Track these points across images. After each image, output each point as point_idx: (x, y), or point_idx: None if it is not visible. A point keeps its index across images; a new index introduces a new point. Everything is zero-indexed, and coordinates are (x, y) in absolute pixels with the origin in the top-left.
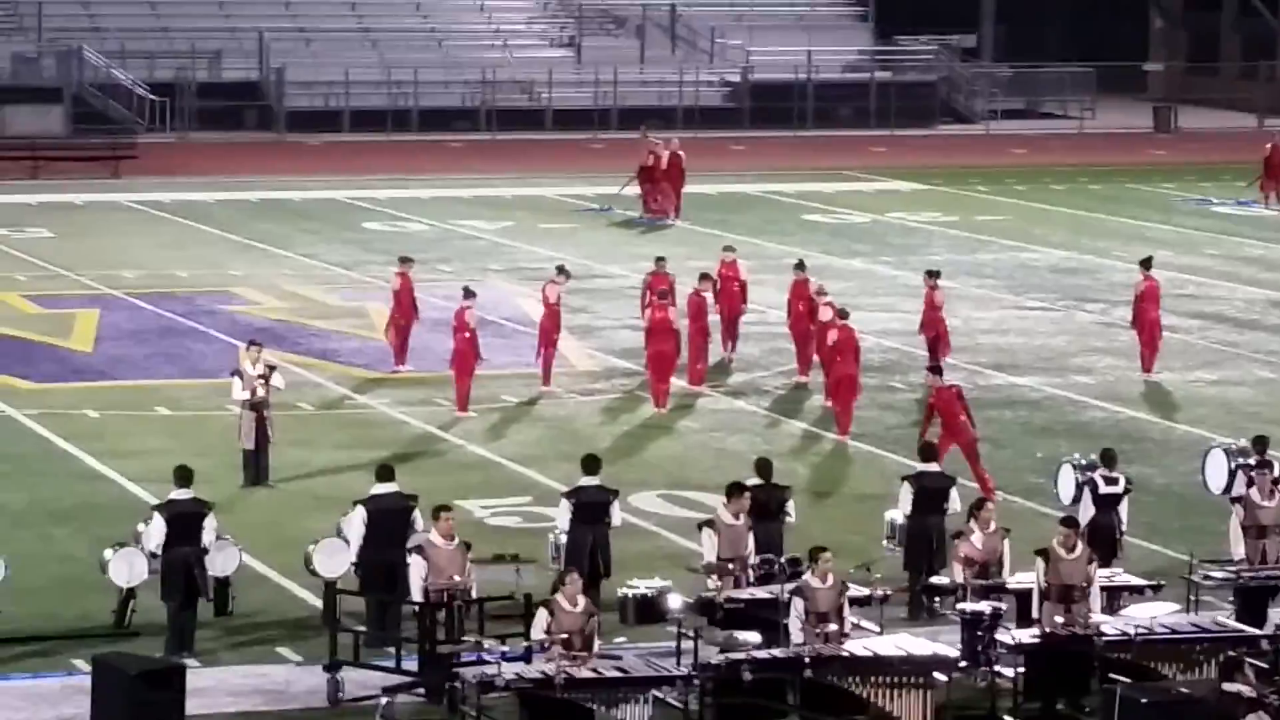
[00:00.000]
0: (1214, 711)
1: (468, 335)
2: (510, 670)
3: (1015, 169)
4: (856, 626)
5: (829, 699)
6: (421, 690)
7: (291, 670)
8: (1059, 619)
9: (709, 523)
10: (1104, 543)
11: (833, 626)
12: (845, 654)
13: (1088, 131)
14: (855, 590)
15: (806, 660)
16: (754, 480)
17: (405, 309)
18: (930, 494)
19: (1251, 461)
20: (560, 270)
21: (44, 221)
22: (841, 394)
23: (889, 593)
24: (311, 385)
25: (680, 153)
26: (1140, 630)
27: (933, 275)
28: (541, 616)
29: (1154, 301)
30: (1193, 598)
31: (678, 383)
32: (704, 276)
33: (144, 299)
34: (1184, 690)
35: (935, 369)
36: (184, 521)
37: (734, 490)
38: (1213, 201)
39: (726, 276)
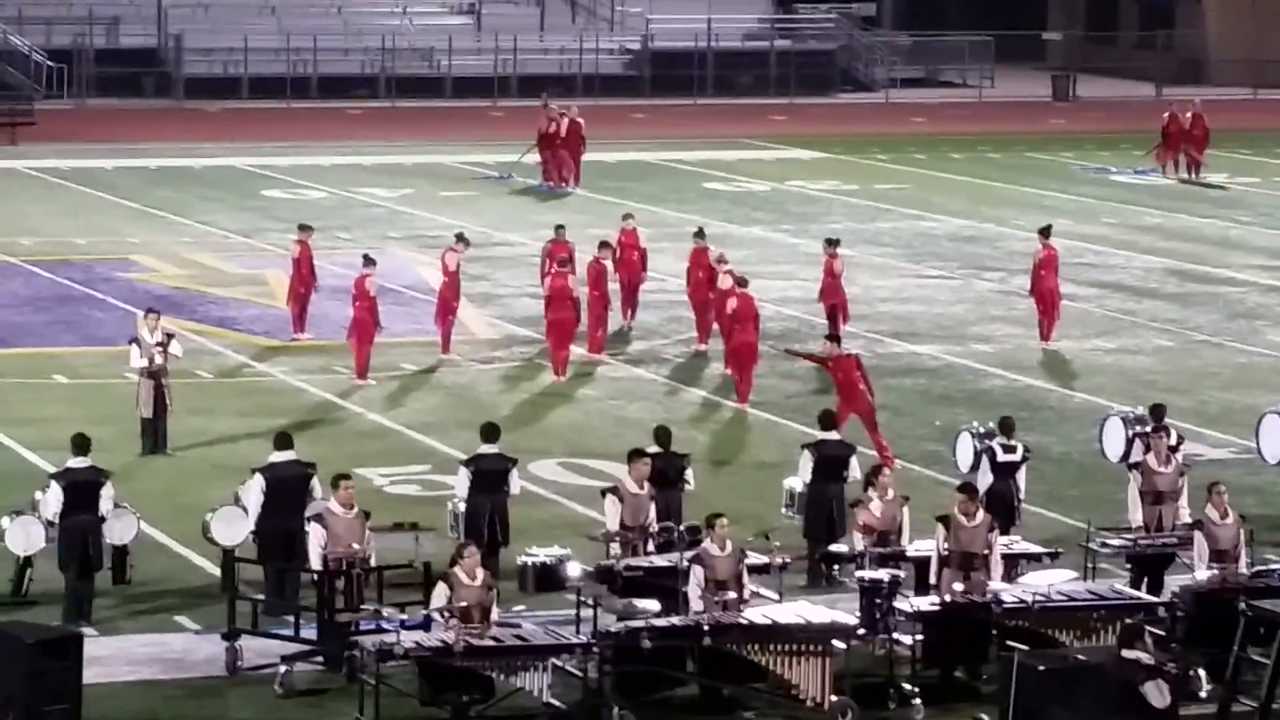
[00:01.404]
0: (1112, 679)
1: (367, 303)
2: (409, 639)
3: (915, 138)
4: (755, 594)
5: (728, 666)
6: (320, 658)
7: (190, 639)
8: (958, 587)
9: (612, 490)
10: (1002, 510)
11: (732, 594)
12: (744, 622)
13: (987, 100)
14: (754, 558)
15: (705, 628)
16: (653, 448)
17: (304, 277)
18: (829, 462)
19: (1148, 429)
20: (460, 238)
21: None
22: (741, 362)
23: (788, 560)
24: (210, 353)
25: (580, 121)
26: (1038, 598)
27: (832, 243)
28: (440, 590)
29: (1053, 270)
30: (1090, 565)
31: (577, 350)
32: (604, 244)
33: (42, 266)
34: (1082, 658)
35: (833, 337)
36: (81, 490)
37: (635, 457)
38: (1111, 170)
39: (626, 244)
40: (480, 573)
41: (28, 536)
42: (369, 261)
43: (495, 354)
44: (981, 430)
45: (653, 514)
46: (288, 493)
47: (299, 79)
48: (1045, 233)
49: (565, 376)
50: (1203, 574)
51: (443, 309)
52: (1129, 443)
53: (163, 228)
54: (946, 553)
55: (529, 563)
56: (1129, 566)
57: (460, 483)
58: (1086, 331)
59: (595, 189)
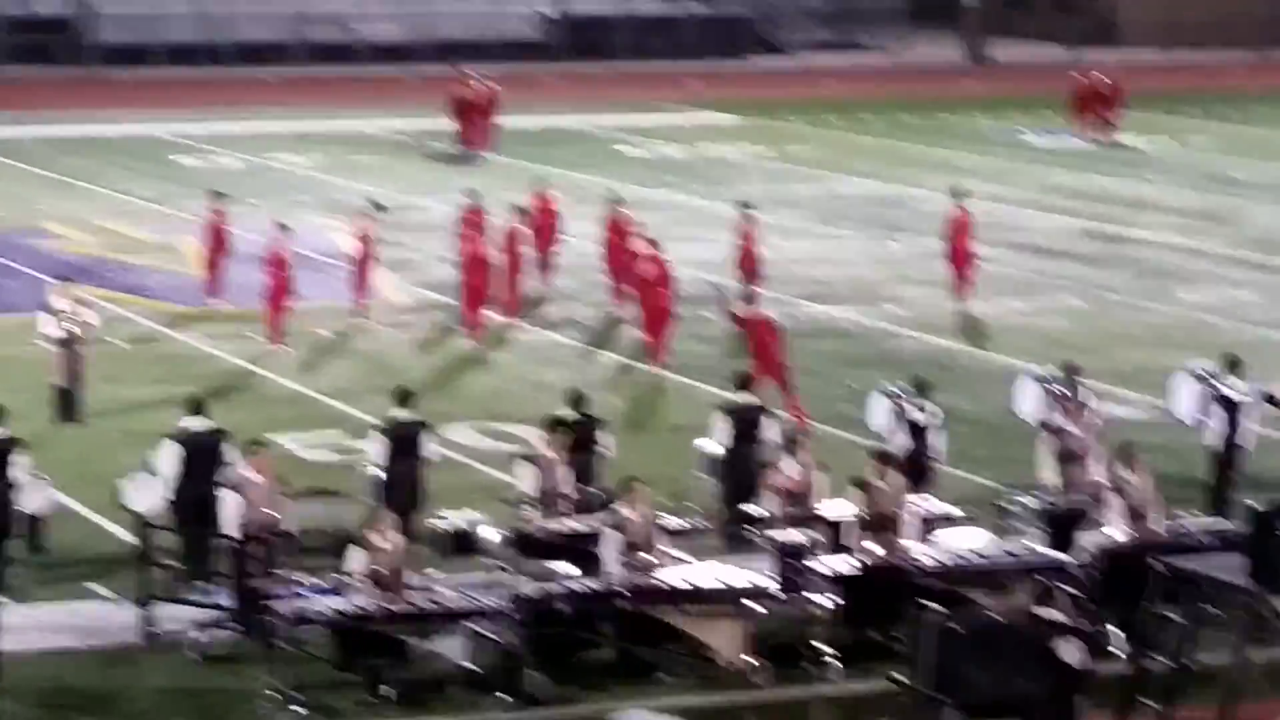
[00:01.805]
0: (1026, 638)
1: (281, 269)
2: (324, 604)
3: (828, 101)
4: (671, 557)
5: (644, 630)
6: (235, 625)
7: (104, 606)
8: (872, 548)
9: (528, 455)
10: (917, 471)
11: (647, 557)
12: (660, 585)
13: (901, 64)
14: (669, 521)
15: (621, 591)
16: (568, 412)
17: (218, 243)
18: (744, 424)
19: (1061, 389)
20: (373, 204)
21: None
22: (655, 325)
23: (703, 523)
24: (123, 320)
25: (494, 86)
26: (953, 558)
27: (746, 207)
28: (355, 554)
29: (966, 232)
30: (1003, 525)
31: (492, 315)
32: (518, 209)
33: None
34: (996, 617)
35: (748, 298)
36: None
37: (549, 421)
38: (1024, 132)
39: (540, 209)
40: (395, 537)
41: None
42: (282, 228)
43: (409, 319)
44: (895, 391)
45: (568, 478)
46: (202, 459)
47: (212, 46)
48: (959, 195)
49: (479, 341)
50: (1116, 533)
51: (357, 274)
52: (1042, 402)
53: (75, 195)
54: (861, 514)
55: (444, 527)
56: (1042, 526)
57: (374, 448)
58: (1000, 292)
59: (510, 154)
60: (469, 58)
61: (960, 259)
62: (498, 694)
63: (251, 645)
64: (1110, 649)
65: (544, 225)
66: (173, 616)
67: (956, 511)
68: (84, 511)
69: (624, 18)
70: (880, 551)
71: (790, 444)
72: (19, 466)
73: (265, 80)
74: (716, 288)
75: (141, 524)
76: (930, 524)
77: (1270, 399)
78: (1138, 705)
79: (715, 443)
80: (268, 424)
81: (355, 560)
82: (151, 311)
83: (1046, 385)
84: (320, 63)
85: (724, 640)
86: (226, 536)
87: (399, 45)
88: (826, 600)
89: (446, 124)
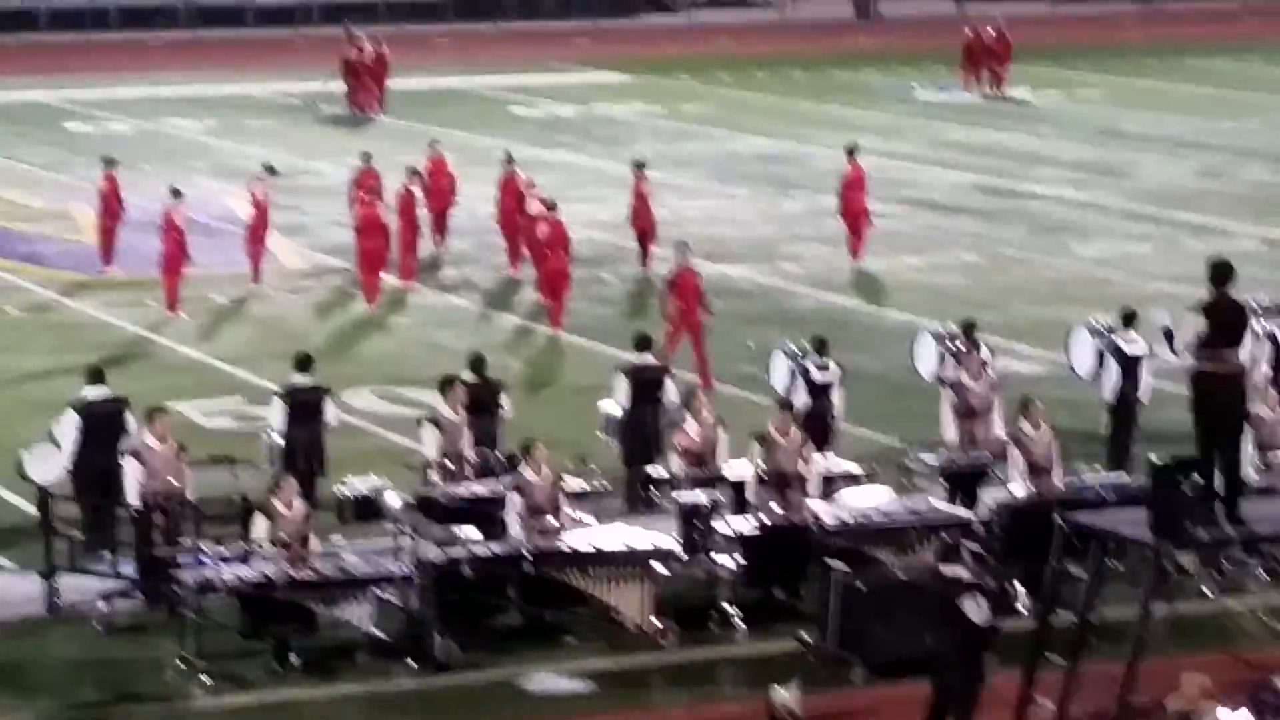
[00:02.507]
0: (930, 595)
1: (175, 235)
2: (229, 573)
3: (719, 59)
4: (575, 520)
5: (549, 592)
6: (140, 594)
7: (7, 578)
8: (775, 507)
9: (429, 418)
10: (818, 430)
11: (551, 520)
12: (564, 547)
13: (790, 20)
14: (572, 483)
15: (525, 555)
16: (468, 375)
17: (111, 210)
18: (645, 385)
19: (960, 345)
20: (267, 168)
21: None
22: (553, 287)
23: (606, 485)
24: (17, 289)
25: (384, 47)
26: (855, 516)
27: (640, 166)
28: (259, 521)
29: (860, 188)
30: (905, 482)
31: (388, 279)
32: (412, 171)
33: None
34: (900, 575)
35: (682, 244)
36: None
37: (449, 384)
38: (915, 87)
39: (434, 171)
40: (297, 502)
41: None
42: (176, 194)
43: (305, 284)
44: (795, 350)
45: (470, 441)
46: (102, 428)
47: (98, 10)
48: (852, 151)
49: (376, 305)
50: (1018, 488)
51: (252, 240)
52: (941, 359)
53: None
54: (763, 473)
55: (346, 493)
56: (944, 483)
57: (275, 414)
58: (895, 249)
59: (401, 116)
60: (358, 19)
61: (854, 216)
62: (405, 660)
63: (157, 615)
64: (1015, 605)
65: (438, 187)
66: (77, 587)
67: (858, 469)
68: None
69: None
70: (782, 511)
71: (691, 404)
72: None
73: (153, 44)
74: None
75: (42, 494)
76: (832, 482)
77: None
78: (1044, 661)
79: (616, 404)
80: (167, 392)
81: (259, 527)
82: (46, 280)
83: (945, 342)
84: (208, 26)
85: (630, 603)
86: (129, 505)
87: (287, 7)
88: (731, 561)
89: (336, 86)
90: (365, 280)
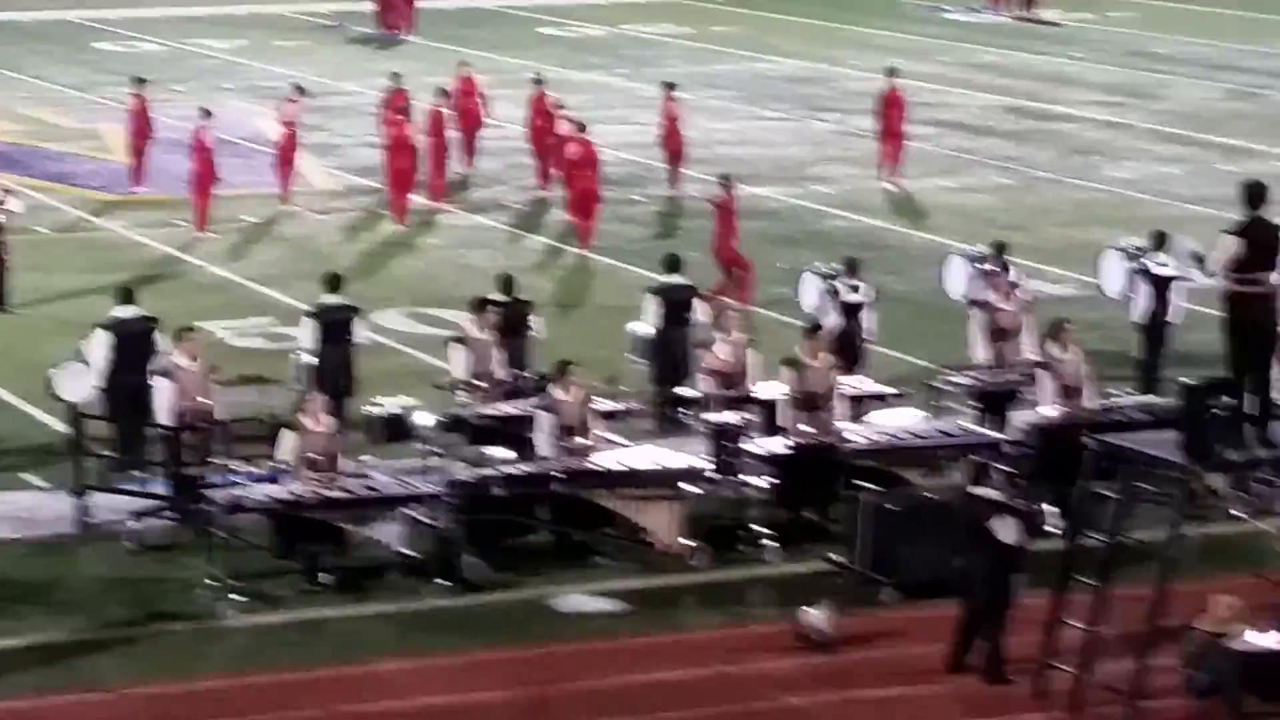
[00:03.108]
0: (960, 516)
1: (205, 155)
2: (259, 492)
3: None
4: (604, 440)
5: (579, 513)
6: (171, 513)
7: (38, 496)
8: (805, 428)
9: (458, 338)
10: (848, 350)
11: (581, 440)
12: (594, 468)
13: None
14: (602, 404)
15: (555, 475)
16: (498, 296)
17: (141, 130)
18: (674, 305)
19: (990, 266)
20: (297, 88)
21: None
22: (582, 208)
23: (636, 405)
24: (48, 209)
25: None
26: (885, 437)
27: (669, 87)
28: (288, 438)
29: (898, 109)
30: (935, 403)
31: (418, 199)
32: (441, 91)
33: None
34: (930, 496)
35: (724, 178)
36: None
37: (479, 305)
38: (945, 9)
39: (464, 92)
40: (327, 422)
41: None
42: (205, 113)
43: (335, 204)
44: (826, 271)
45: (500, 361)
46: (133, 347)
47: None
48: (892, 72)
49: (406, 225)
50: (1049, 410)
51: (281, 160)
52: (970, 280)
53: None
54: (793, 394)
55: (376, 413)
56: (974, 404)
57: (305, 334)
58: (926, 170)
59: (430, 36)
60: None
61: (891, 137)
62: (435, 580)
63: (187, 534)
64: (1045, 527)
65: (467, 108)
66: (107, 506)
67: (888, 390)
68: (15, 401)
69: None
70: (812, 432)
71: (721, 324)
72: None
73: None
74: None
75: (73, 413)
76: (862, 403)
77: (1198, 256)
78: (1073, 582)
79: (646, 325)
80: (197, 311)
81: (287, 446)
82: (76, 199)
83: (975, 263)
84: None
85: (660, 523)
86: (159, 425)
87: None
88: (761, 481)
89: (366, 6)
90: (395, 200)
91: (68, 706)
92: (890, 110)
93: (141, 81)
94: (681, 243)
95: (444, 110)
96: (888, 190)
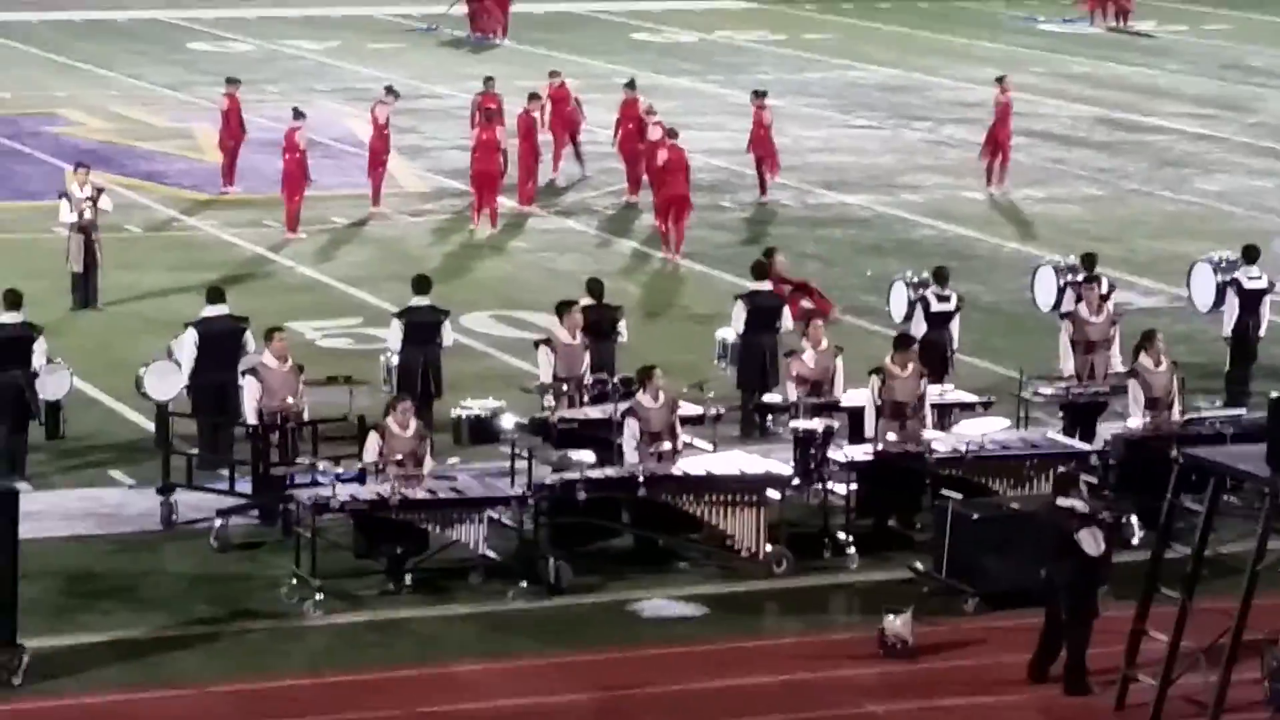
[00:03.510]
0: (1046, 527)
1: (297, 156)
2: (344, 492)
3: None
4: (689, 445)
5: (662, 517)
6: (256, 512)
7: (124, 493)
8: (891, 436)
9: (545, 341)
10: (935, 360)
11: (666, 445)
12: (678, 473)
13: None
14: (688, 409)
15: (640, 479)
16: (586, 300)
17: (233, 130)
18: (762, 312)
19: (1079, 278)
20: (389, 90)
21: None
22: (672, 213)
23: (722, 411)
24: (139, 207)
25: None
26: (972, 447)
27: (760, 95)
28: (373, 440)
29: (1008, 117)
30: (1023, 414)
31: (507, 203)
32: (533, 96)
33: None
34: (1015, 506)
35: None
36: (14, 345)
37: (566, 308)
38: (1039, 20)
39: (557, 98)
40: (413, 422)
41: None
42: (298, 114)
43: (425, 206)
44: (915, 280)
45: (587, 365)
46: (221, 346)
47: None
48: (1001, 79)
49: (495, 228)
50: (1136, 422)
51: (373, 162)
52: (1060, 291)
53: (89, 81)
54: (880, 403)
55: (463, 415)
56: (1062, 415)
57: (392, 335)
58: (1017, 181)
59: (523, 40)
60: None
61: (999, 146)
62: (518, 582)
63: (271, 533)
64: (1130, 539)
65: (559, 112)
66: (193, 504)
67: (977, 400)
68: (103, 398)
69: None
70: (899, 440)
71: (808, 332)
72: (38, 353)
73: None
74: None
75: (161, 411)
76: (949, 413)
77: None
78: (1158, 595)
79: (733, 331)
80: (286, 311)
81: (373, 447)
82: (167, 198)
83: (1064, 274)
84: None
85: (743, 529)
86: (246, 424)
87: None
88: (845, 489)
89: (459, 10)
90: (484, 204)
91: (150, 702)
92: (1001, 119)
93: (234, 81)
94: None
95: (534, 114)
96: (978, 200)
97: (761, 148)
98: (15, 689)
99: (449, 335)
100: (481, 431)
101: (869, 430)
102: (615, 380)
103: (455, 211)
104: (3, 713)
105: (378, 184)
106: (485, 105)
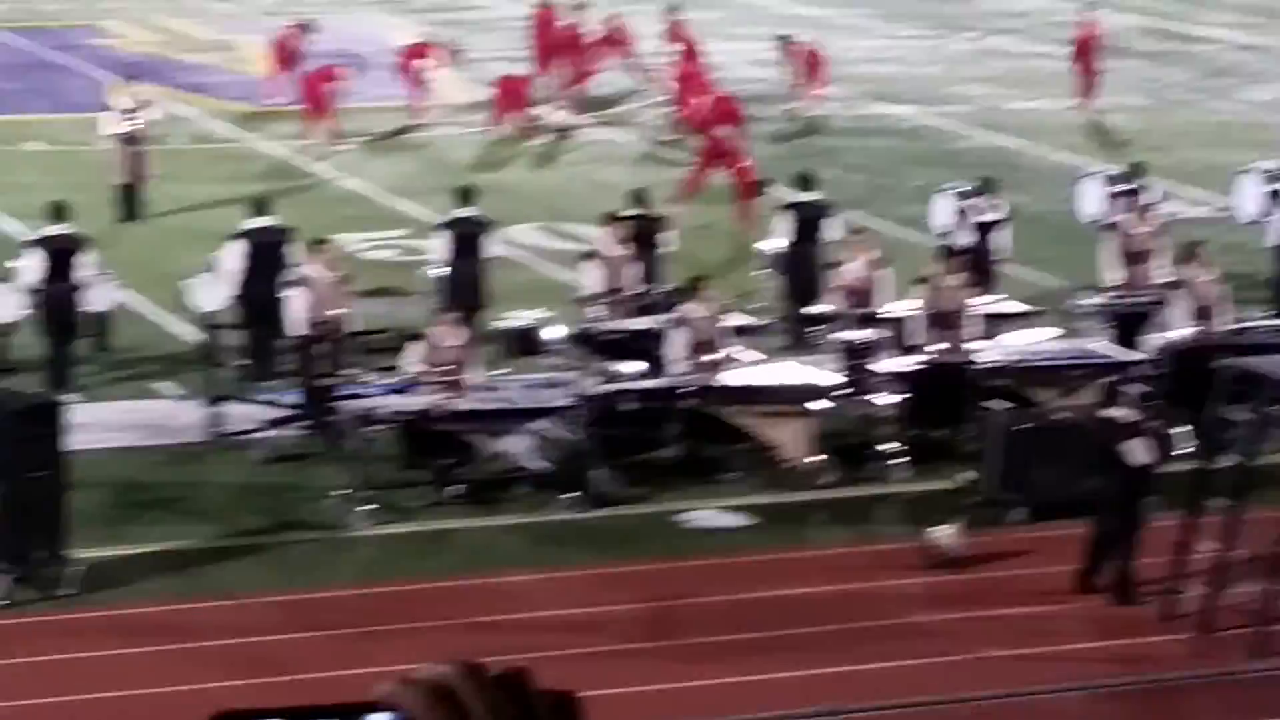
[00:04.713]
0: (1092, 437)
1: (342, 68)
2: (390, 403)
3: None
4: (736, 356)
5: (708, 428)
6: (302, 423)
7: (171, 405)
8: (938, 346)
9: (590, 253)
10: (981, 270)
11: (712, 356)
12: (725, 383)
13: None
14: (733, 320)
15: (686, 390)
16: (631, 210)
17: (279, 42)
18: (807, 223)
19: (1126, 187)
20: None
21: None
22: (719, 123)
23: (768, 322)
24: (185, 119)
25: None
26: (1017, 357)
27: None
28: (418, 350)
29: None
30: (1068, 324)
31: (556, 113)
32: (576, 6)
33: (12, 32)
34: (1062, 415)
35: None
36: (60, 257)
37: (612, 219)
38: None
39: (610, 21)
40: (459, 335)
41: (7, 304)
42: (305, 28)
43: (471, 117)
44: (960, 190)
45: (632, 276)
46: (267, 258)
47: None
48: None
49: (543, 140)
50: (1182, 331)
51: (417, 73)
52: (1107, 201)
53: None
54: (925, 313)
55: (509, 326)
56: (1107, 324)
57: (437, 246)
58: (1062, 91)
59: None
60: None
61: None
62: (564, 493)
63: (318, 444)
64: (1177, 449)
65: (610, 29)
66: (240, 415)
67: (1022, 310)
68: (149, 310)
69: None
70: (943, 350)
71: (853, 242)
72: (84, 265)
73: None
74: None
75: (207, 323)
76: (994, 322)
77: None
78: (1204, 505)
79: (778, 242)
80: (331, 223)
81: (419, 358)
82: (214, 110)
83: (1111, 184)
84: None
85: (790, 439)
86: (292, 335)
87: None
88: (891, 399)
89: None
90: (500, 108)
91: (199, 613)
92: (1085, 38)
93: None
94: (814, 161)
95: (581, 28)
96: (1024, 110)
97: (808, 59)
98: (65, 599)
99: (494, 246)
100: (527, 343)
101: (914, 341)
102: (661, 290)
103: (500, 122)
104: (53, 623)
105: (423, 95)
106: (542, 18)
